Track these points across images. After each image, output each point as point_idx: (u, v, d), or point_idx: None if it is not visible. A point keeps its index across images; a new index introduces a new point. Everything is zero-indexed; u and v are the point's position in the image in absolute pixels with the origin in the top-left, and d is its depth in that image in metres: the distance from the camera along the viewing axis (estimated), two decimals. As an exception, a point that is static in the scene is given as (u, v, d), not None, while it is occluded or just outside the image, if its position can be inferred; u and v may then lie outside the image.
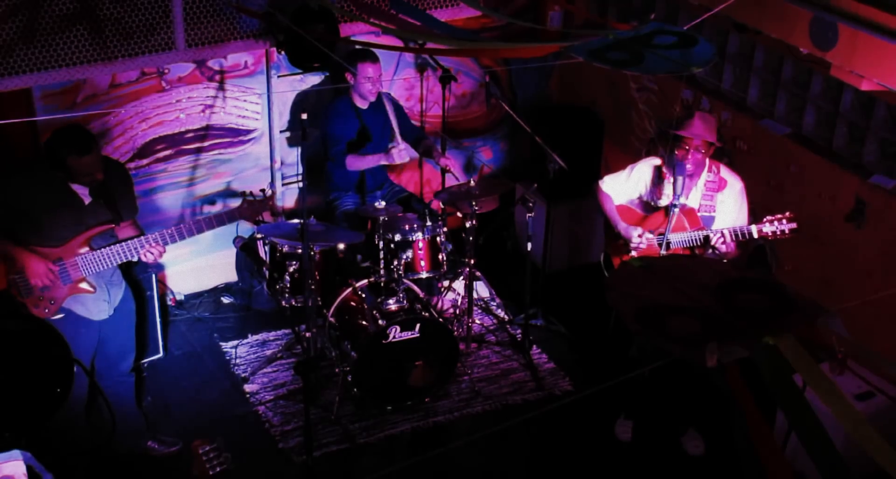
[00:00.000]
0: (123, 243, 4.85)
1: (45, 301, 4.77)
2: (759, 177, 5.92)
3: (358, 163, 6.16)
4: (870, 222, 5.32)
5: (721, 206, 5.23)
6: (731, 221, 5.18)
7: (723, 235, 5.06)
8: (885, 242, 5.25)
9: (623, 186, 5.44)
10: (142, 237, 4.87)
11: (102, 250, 4.82)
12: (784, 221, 4.99)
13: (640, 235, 5.28)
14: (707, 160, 5.21)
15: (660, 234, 5.27)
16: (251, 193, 5.19)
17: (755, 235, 5.04)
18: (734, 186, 5.25)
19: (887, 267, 5.26)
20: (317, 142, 6.17)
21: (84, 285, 4.86)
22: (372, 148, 6.21)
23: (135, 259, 4.89)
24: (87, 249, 4.81)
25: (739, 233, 5.06)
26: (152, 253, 4.86)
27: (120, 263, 4.92)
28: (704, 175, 5.22)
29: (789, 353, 2.24)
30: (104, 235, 4.88)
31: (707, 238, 5.09)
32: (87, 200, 4.81)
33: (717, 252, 5.10)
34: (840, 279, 5.57)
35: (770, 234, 5.02)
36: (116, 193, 4.91)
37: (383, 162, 6.16)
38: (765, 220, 5.03)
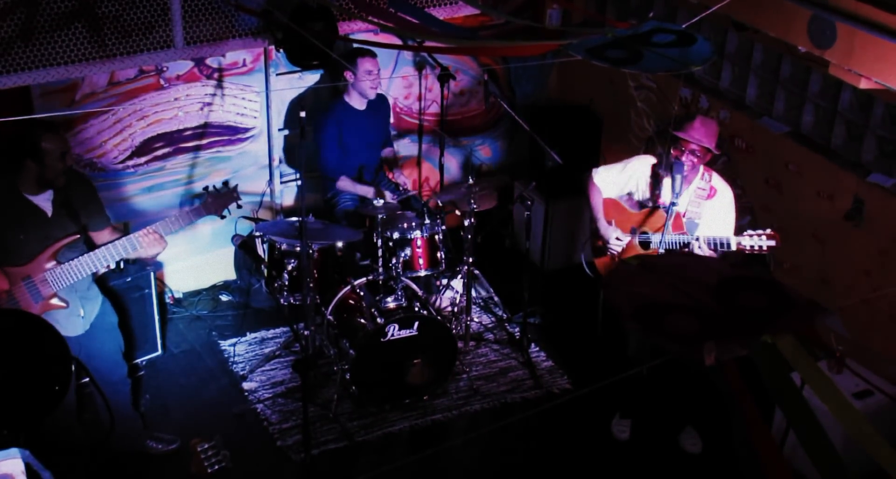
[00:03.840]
0: (100, 249, 4.76)
1: None
2: (757, 175, 5.92)
3: (348, 187, 6.23)
4: (868, 221, 5.32)
5: (707, 214, 5.20)
6: (715, 230, 5.14)
7: (701, 246, 5.05)
8: (883, 240, 5.25)
9: (615, 179, 5.42)
10: (132, 235, 4.77)
11: (73, 261, 4.73)
12: (764, 237, 4.98)
13: (617, 239, 5.29)
14: (701, 166, 5.20)
15: (643, 232, 5.28)
16: (213, 186, 5.09)
17: (733, 248, 5.02)
18: (724, 196, 5.22)
19: (885, 266, 5.26)
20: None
21: (56, 301, 4.77)
22: (360, 153, 6.24)
23: (113, 265, 4.80)
24: (53, 263, 4.72)
25: (718, 243, 5.05)
26: (148, 239, 4.76)
27: (98, 270, 4.82)
28: (696, 181, 5.21)
29: (788, 351, 2.24)
30: (72, 247, 4.80)
31: (687, 245, 5.09)
32: (50, 213, 4.74)
33: None
34: (838, 278, 5.57)
35: (748, 248, 4.99)
36: (79, 203, 4.83)
37: (368, 196, 6.18)
38: (745, 233, 5.01)
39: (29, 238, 4.69)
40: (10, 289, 4.68)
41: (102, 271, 4.90)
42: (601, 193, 5.43)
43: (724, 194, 5.22)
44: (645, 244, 5.31)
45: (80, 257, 4.75)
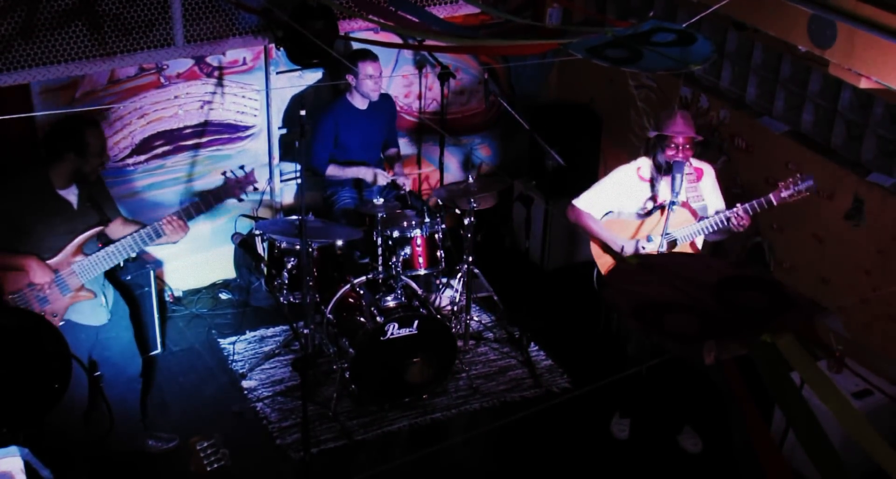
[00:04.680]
0: (126, 238, 4.82)
1: (48, 316, 4.71)
2: (757, 174, 5.92)
3: (338, 173, 6.20)
4: (868, 220, 5.32)
5: (705, 193, 5.31)
6: (715, 204, 5.28)
7: (739, 214, 5.06)
8: (882, 240, 5.25)
9: (600, 199, 5.36)
10: (163, 219, 4.83)
11: (100, 252, 4.79)
12: (799, 182, 5.01)
13: (643, 249, 5.26)
14: None
15: (665, 233, 5.25)
16: (231, 171, 5.17)
17: (775, 203, 5.05)
18: (709, 173, 5.37)
19: (885, 265, 5.26)
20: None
21: (84, 293, 4.83)
22: (359, 152, 6.23)
23: (141, 249, 4.89)
24: (81, 256, 4.78)
25: (758, 205, 5.06)
26: (172, 225, 4.83)
27: (124, 259, 4.89)
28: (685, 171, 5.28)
29: (787, 351, 2.24)
30: (93, 239, 4.86)
31: (728, 220, 5.10)
32: (76, 206, 4.79)
33: (741, 230, 5.13)
34: (838, 277, 5.57)
35: (789, 197, 5.03)
36: (101, 195, 4.90)
37: (361, 176, 6.18)
38: (780, 186, 5.03)
39: (58, 231, 4.74)
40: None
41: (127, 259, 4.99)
42: (596, 218, 5.36)
43: (709, 172, 5.38)
44: (671, 244, 5.25)
45: (107, 248, 4.81)
